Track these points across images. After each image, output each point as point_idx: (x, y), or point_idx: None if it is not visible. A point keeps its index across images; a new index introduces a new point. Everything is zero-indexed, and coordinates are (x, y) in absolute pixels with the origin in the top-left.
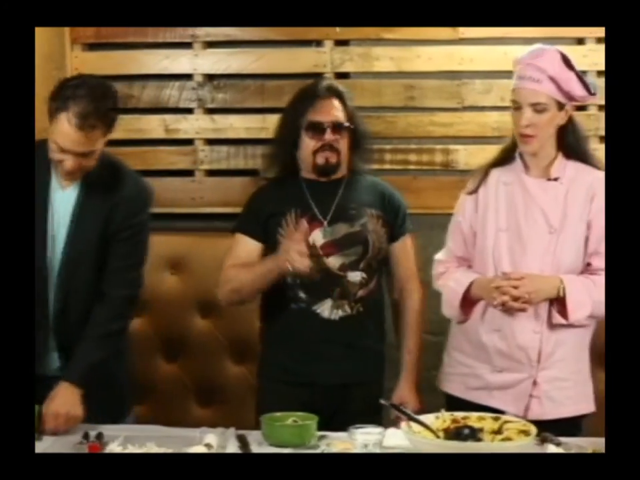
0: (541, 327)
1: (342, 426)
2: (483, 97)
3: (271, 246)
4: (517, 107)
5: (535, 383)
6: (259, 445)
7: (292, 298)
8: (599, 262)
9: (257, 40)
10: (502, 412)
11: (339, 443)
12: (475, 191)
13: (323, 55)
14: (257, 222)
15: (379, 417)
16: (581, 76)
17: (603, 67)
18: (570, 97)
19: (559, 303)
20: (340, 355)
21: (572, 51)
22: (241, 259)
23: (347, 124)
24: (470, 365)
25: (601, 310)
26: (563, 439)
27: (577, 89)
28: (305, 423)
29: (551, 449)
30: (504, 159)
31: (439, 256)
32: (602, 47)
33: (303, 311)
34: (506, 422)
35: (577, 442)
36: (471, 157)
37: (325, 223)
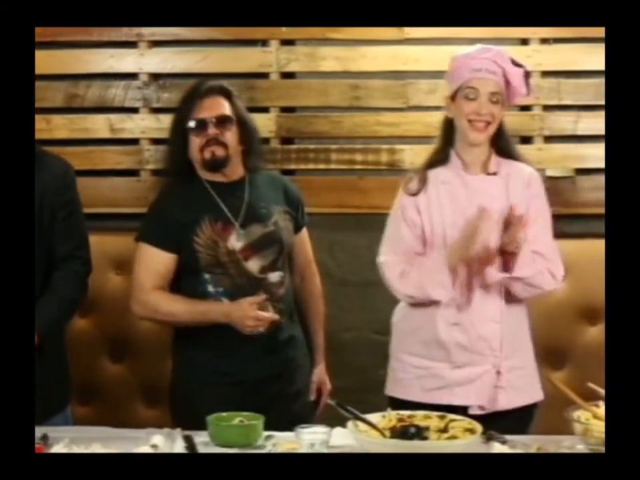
0: (500, 316)
1: (274, 419)
2: (428, 97)
3: (185, 255)
4: (473, 97)
5: (498, 373)
6: (205, 446)
7: (214, 299)
8: (536, 246)
9: (202, 39)
10: (465, 408)
11: (286, 442)
12: (417, 193)
13: (268, 54)
14: (167, 232)
15: (310, 404)
16: (528, 75)
17: (547, 68)
18: (513, 95)
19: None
20: (266, 352)
21: (516, 52)
22: (160, 274)
23: (230, 115)
24: (426, 366)
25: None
26: (508, 437)
27: (522, 88)
28: (252, 423)
29: (497, 447)
30: (438, 160)
31: (388, 257)
32: (546, 48)
33: None
34: (452, 420)
35: (522, 440)
36: (416, 156)
37: (237, 225)
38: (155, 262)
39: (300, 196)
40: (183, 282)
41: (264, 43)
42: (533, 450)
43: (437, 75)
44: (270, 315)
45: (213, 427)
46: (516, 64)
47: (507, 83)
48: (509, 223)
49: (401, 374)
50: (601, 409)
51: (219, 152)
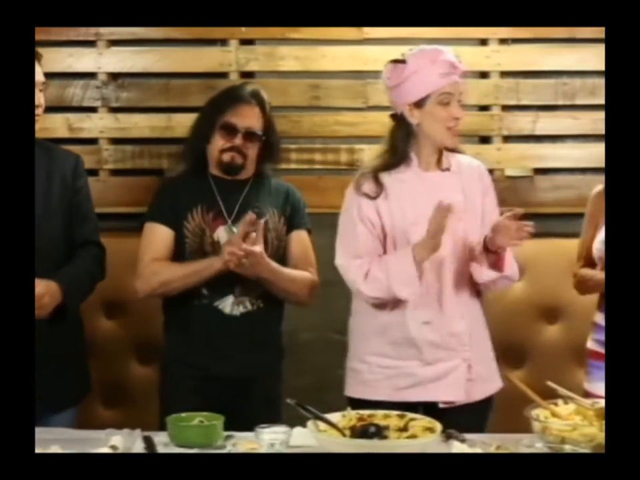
0: (466, 311)
1: (245, 418)
2: (387, 97)
3: (175, 239)
4: (447, 102)
5: (469, 367)
6: (165, 446)
7: (194, 294)
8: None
9: (161, 39)
10: (436, 404)
11: (246, 442)
12: (376, 197)
13: (228, 54)
14: (170, 212)
15: (279, 408)
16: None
17: (505, 68)
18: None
19: (496, 257)
20: (240, 350)
21: (475, 52)
22: (160, 251)
23: (259, 133)
24: (396, 365)
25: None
26: (467, 436)
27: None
28: (211, 423)
29: (456, 445)
30: (395, 163)
31: (348, 260)
32: (505, 48)
33: (204, 306)
34: (411, 419)
35: (481, 438)
36: None
37: (230, 220)
38: (156, 237)
39: (301, 201)
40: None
41: (223, 42)
42: (492, 448)
43: None
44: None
45: (173, 427)
46: (457, 58)
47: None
48: (499, 228)
49: (368, 375)
50: (560, 407)
51: (238, 160)
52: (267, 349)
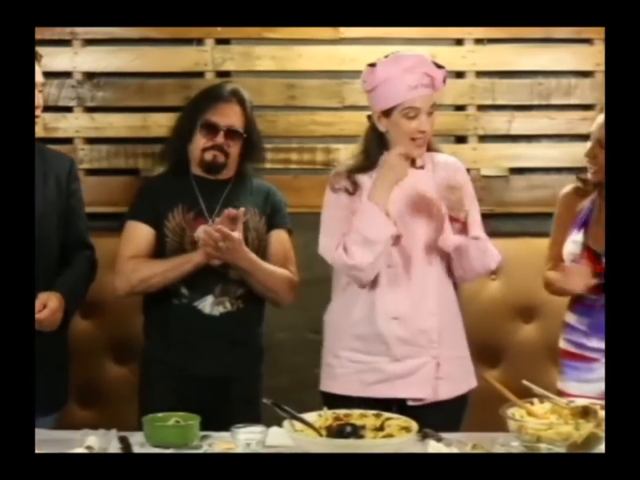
0: (436, 308)
1: (225, 418)
2: (363, 97)
3: (157, 237)
4: (413, 115)
5: (438, 365)
6: (141, 447)
7: (174, 293)
8: (473, 230)
9: (137, 38)
10: (404, 401)
11: (222, 442)
12: (354, 193)
13: (204, 53)
14: (151, 211)
15: (259, 409)
16: (445, 73)
17: (481, 68)
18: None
19: (460, 224)
20: (219, 350)
21: (451, 52)
22: (140, 248)
23: (241, 131)
24: (365, 360)
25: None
26: (443, 435)
27: (441, 85)
28: (188, 423)
29: (432, 444)
30: (367, 166)
31: (327, 243)
32: (480, 48)
33: (184, 306)
34: (388, 419)
35: (457, 437)
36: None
37: (210, 220)
38: (136, 235)
39: (282, 201)
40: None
41: (199, 41)
42: (468, 447)
43: None
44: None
45: (149, 428)
46: (438, 66)
47: (434, 88)
48: (449, 190)
49: (339, 370)
50: (535, 406)
51: (220, 158)
52: (246, 349)
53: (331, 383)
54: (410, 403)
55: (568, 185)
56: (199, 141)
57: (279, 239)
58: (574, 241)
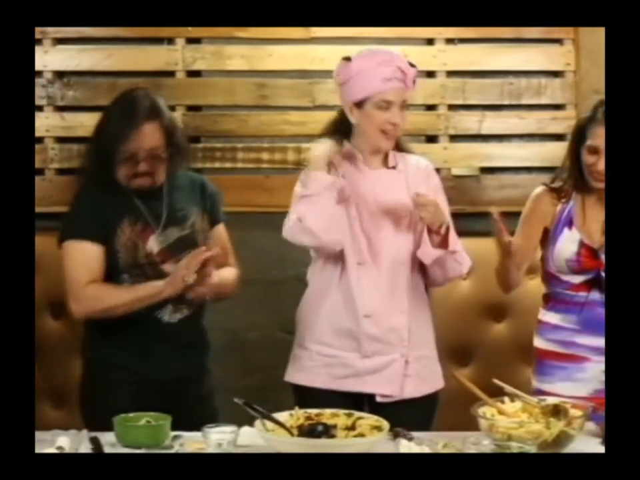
0: (407, 307)
1: (185, 418)
2: (334, 96)
3: (106, 255)
4: (385, 107)
5: (406, 362)
6: (112, 447)
7: None
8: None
9: (108, 37)
10: (373, 396)
11: (193, 442)
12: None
13: (174, 52)
14: (96, 228)
15: (214, 403)
16: (416, 73)
17: (452, 67)
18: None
19: (440, 237)
20: (177, 353)
21: (422, 52)
22: (95, 271)
23: (162, 154)
24: (334, 354)
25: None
26: (414, 434)
27: (412, 85)
28: (159, 423)
29: (403, 443)
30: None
31: (286, 223)
32: (451, 48)
33: (143, 315)
34: (359, 418)
35: (428, 436)
36: None
37: (158, 229)
38: (87, 256)
39: (217, 193)
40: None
41: (170, 41)
42: (439, 446)
43: None
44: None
45: (120, 428)
46: (411, 64)
47: (407, 85)
48: (423, 207)
49: (308, 362)
50: (506, 405)
51: (147, 182)
52: (199, 347)
53: (297, 375)
54: (379, 399)
55: (539, 185)
56: (122, 171)
57: (220, 234)
58: (570, 239)
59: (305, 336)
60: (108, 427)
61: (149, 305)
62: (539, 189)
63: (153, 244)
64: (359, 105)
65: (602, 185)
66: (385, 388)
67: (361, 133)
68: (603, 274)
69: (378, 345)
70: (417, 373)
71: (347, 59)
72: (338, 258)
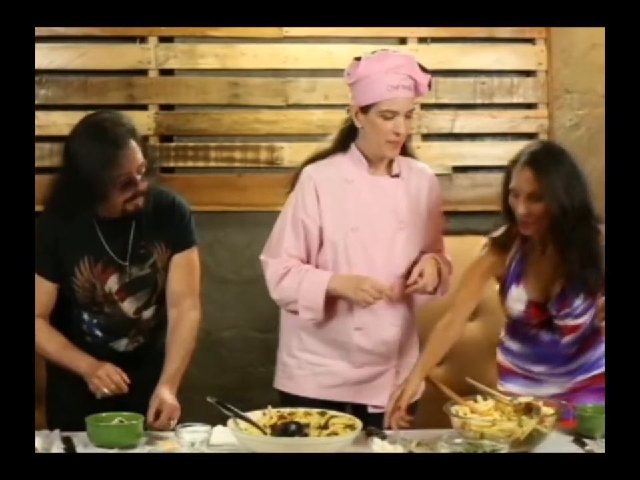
0: (399, 320)
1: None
2: (307, 95)
3: (63, 290)
4: (390, 117)
5: (397, 373)
6: (84, 447)
7: (88, 333)
8: (437, 246)
9: (80, 35)
10: (364, 406)
11: (166, 442)
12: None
13: (147, 51)
14: (53, 265)
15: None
16: (430, 78)
17: (424, 66)
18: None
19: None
20: (135, 376)
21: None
22: (42, 305)
23: (144, 161)
24: (324, 363)
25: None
26: (387, 432)
27: (425, 90)
28: (131, 422)
29: (377, 442)
30: (331, 151)
31: (268, 258)
32: (423, 47)
33: (98, 344)
34: (332, 417)
35: (401, 435)
36: (295, 154)
37: (118, 267)
38: (38, 288)
39: (185, 216)
40: (60, 312)
41: (142, 39)
42: (412, 444)
43: (316, 73)
44: (120, 381)
45: (92, 428)
46: (423, 69)
47: (415, 89)
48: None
49: (297, 370)
50: (479, 404)
51: (141, 202)
52: (156, 363)
53: (286, 383)
54: (371, 410)
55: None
56: (117, 198)
57: (182, 264)
58: (517, 298)
59: (292, 343)
60: (67, 425)
61: (104, 336)
62: (484, 241)
63: (113, 283)
64: (364, 110)
65: (527, 231)
66: (376, 399)
67: (366, 138)
68: (555, 320)
69: (368, 356)
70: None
71: (358, 58)
72: (331, 269)
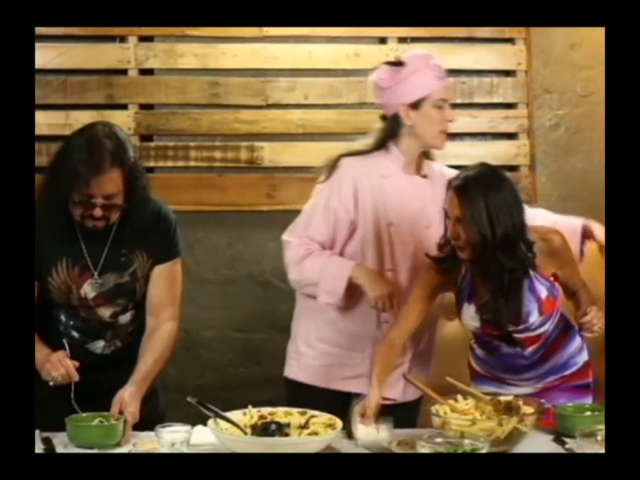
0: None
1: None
2: (287, 95)
3: (40, 288)
4: (442, 105)
5: (410, 368)
6: (64, 447)
7: (65, 334)
8: None
9: (59, 35)
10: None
11: (146, 442)
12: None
13: (126, 51)
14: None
15: (158, 398)
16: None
17: None
18: None
19: None
20: (110, 377)
21: (374, 51)
22: None
23: (117, 192)
24: (341, 354)
25: None
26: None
27: None
28: (112, 423)
29: (360, 428)
30: (372, 149)
31: (291, 238)
32: (403, 47)
33: (76, 346)
34: (312, 416)
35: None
36: (275, 153)
37: (96, 274)
38: None
39: (170, 228)
40: (40, 312)
41: (122, 39)
42: (393, 444)
43: (296, 73)
44: (71, 365)
45: (72, 428)
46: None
47: None
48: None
49: (311, 360)
50: (459, 403)
51: (100, 224)
52: (135, 367)
53: (299, 372)
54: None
55: None
56: (75, 211)
57: (163, 276)
58: (471, 316)
59: (310, 331)
60: (47, 425)
61: (81, 337)
62: (427, 263)
63: (88, 289)
64: (415, 105)
65: (462, 254)
66: (388, 391)
67: (414, 135)
68: (513, 334)
69: None
70: (418, 376)
71: (392, 63)
72: (359, 260)
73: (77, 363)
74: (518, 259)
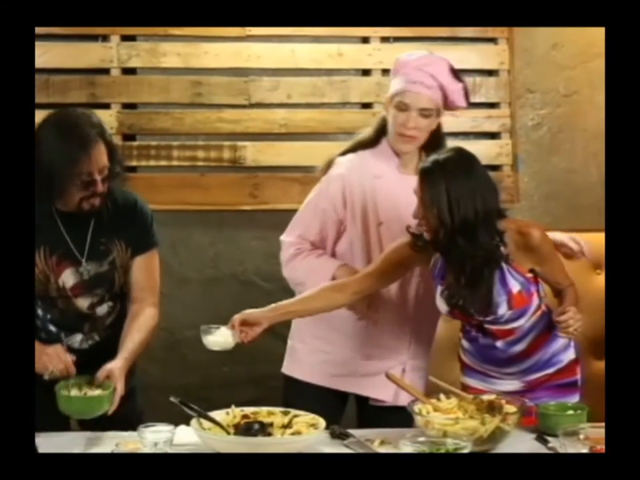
0: (413, 314)
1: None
2: (270, 94)
3: None
4: (403, 109)
5: (404, 371)
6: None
7: (41, 329)
8: None
9: (41, 34)
10: (367, 398)
11: (129, 442)
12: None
13: (109, 50)
14: None
15: (136, 398)
16: (467, 88)
17: (387, 66)
18: (450, 107)
19: None
20: (88, 373)
21: (357, 50)
22: None
23: (110, 168)
24: (334, 352)
25: None
26: (351, 431)
27: (460, 101)
28: (108, 391)
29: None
30: (367, 144)
31: (286, 238)
32: (386, 46)
33: (53, 341)
34: (295, 416)
35: (365, 434)
36: (258, 153)
37: (77, 262)
38: None
39: (147, 218)
40: None
41: (104, 38)
42: (375, 443)
43: (279, 72)
44: (70, 362)
45: (62, 398)
46: (457, 78)
47: (445, 95)
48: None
49: (306, 357)
50: (442, 402)
51: (97, 202)
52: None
53: (294, 368)
54: (371, 403)
55: None
56: (74, 195)
57: (143, 265)
58: (440, 300)
59: (305, 329)
60: None
61: (58, 331)
62: (401, 240)
63: (68, 278)
64: (389, 101)
65: (426, 236)
66: (379, 393)
67: (388, 128)
68: (484, 324)
69: (378, 349)
70: (413, 383)
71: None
72: (348, 260)
73: (74, 357)
74: (480, 245)
